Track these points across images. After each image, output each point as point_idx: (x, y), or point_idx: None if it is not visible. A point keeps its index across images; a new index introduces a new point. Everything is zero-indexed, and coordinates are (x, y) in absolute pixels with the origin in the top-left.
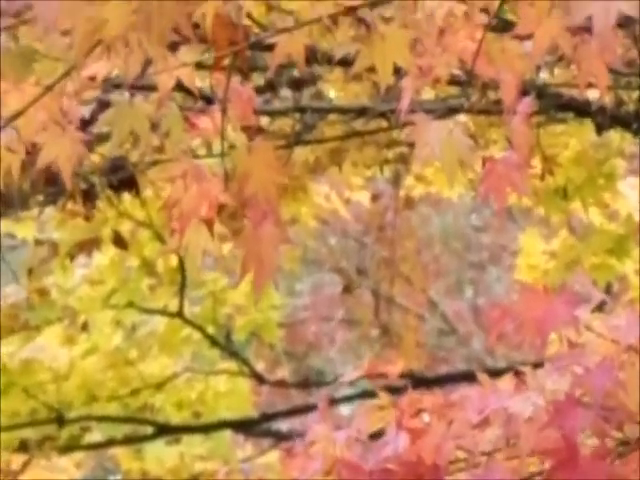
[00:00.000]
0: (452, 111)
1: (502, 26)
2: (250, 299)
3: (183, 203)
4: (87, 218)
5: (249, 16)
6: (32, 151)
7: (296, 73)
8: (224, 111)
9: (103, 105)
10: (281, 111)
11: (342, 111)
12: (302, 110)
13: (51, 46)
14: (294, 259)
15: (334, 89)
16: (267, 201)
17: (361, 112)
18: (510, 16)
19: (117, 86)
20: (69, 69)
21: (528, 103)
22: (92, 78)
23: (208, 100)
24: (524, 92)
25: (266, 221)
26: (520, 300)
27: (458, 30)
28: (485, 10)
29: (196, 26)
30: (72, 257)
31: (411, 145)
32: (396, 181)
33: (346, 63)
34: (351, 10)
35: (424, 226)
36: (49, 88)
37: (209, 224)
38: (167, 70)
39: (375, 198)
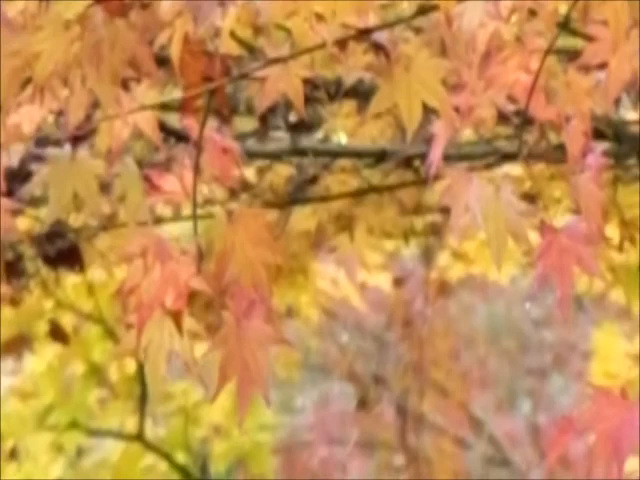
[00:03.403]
0: (500, 158)
1: (565, 53)
2: (232, 417)
3: (143, 290)
4: (14, 302)
5: (233, 36)
6: None
7: (293, 117)
8: (196, 167)
9: (35, 158)
10: (273, 155)
11: (353, 156)
12: (301, 153)
13: None
14: (292, 364)
15: (343, 130)
16: (254, 287)
17: (379, 158)
18: (575, 40)
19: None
20: None
21: (600, 153)
22: (18, 126)
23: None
24: (596, 136)
25: (253, 314)
26: (590, 410)
27: (507, 58)
28: (542, 33)
29: (159, 55)
30: None
31: (446, 210)
32: (427, 258)
33: (358, 94)
34: (364, 33)
35: (465, 319)
36: None
37: (176, 317)
38: (120, 116)
39: (399, 282)
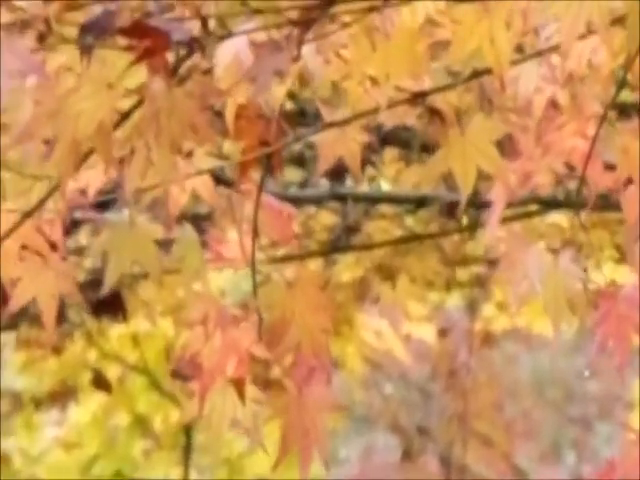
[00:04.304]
0: (544, 206)
1: (623, 116)
2: (276, 469)
3: (204, 357)
4: (57, 350)
5: (288, 96)
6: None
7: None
8: (255, 233)
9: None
10: (313, 200)
11: (394, 202)
12: (341, 199)
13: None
14: (338, 416)
15: (384, 176)
16: (314, 354)
17: (419, 204)
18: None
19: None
20: (52, 189)
21: None
22: (82, 192)
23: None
24: None
25: (313, 380)
26: (633, 458)
27: (564, 124)
28: (598, 97)
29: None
30: (40, 411)
31: (491, 262)
32: (471, 310)
33: (399, 140)
34: (419, 97)
35: (509, 370)
36: (27, 215)
37: (239, 385)
38: (178, 181)
39: (443, 333)
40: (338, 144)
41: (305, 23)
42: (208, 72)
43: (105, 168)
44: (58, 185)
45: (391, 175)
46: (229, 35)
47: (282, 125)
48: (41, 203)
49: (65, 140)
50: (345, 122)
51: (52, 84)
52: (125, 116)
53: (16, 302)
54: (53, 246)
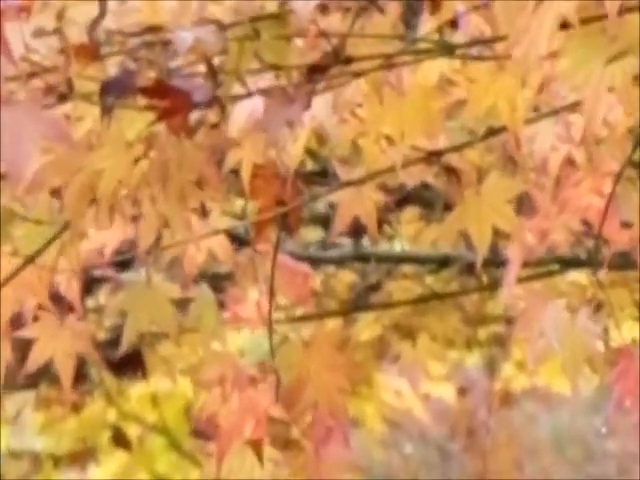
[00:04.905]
0: (564, 265)
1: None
2: None
3: (222, 418)
4: (76, 407)
5: (305, 153)
6: (22, 345)
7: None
8: (271, 293)
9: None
10: (336, 261)
11: (415, 262)
12: (363, 259)
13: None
14: (356, 476)
15: (405, 235)
16: (331, 413)
17: (441, 264)
18: None
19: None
20: (58, 233)
21: None
22: (99, 251)
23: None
24: None
25: (331, 440)
26: None
27: (580, 182)
28: (614, 155)
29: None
30: (59, 472)
31: (510, 321)
32: (491, 369)
33: (420, 200)
34: (434, 155)
35: (528, 429)
36: (30, 260)
37: (257, 447)
38: (194, 240)
39: (463, 392)
40: (355, 203)
41: (317, 73)
42: (218, 125)
43: (116, 225)
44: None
45: (411, 234)
46: (247, 95)
47: (298, 184)
48: (46, 246)
49: (75, 191)
50: (361, 181)
51: (65, 134)
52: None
53: (33, 362)
54: (70, 306)
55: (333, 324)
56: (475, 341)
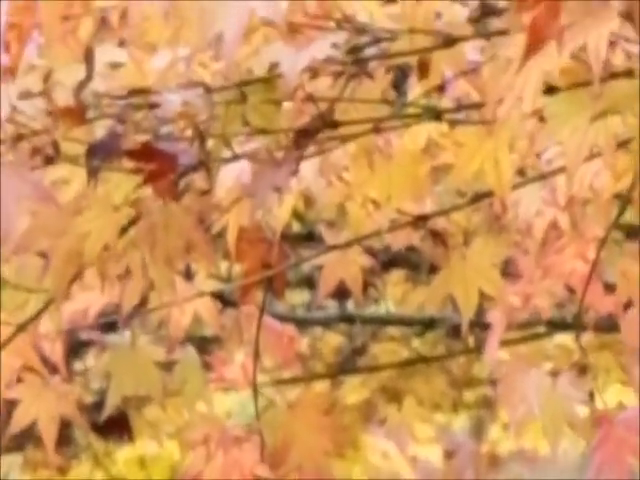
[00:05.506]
0: (550, 328)
1: (625, 236)
2: None
3: (207, 477)
4: (61, 470)
5: (292, 215)
6: (7, 407)
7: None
8: (256, 356)
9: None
10: (322, 322)
11: (401, 324)
12: (349, 321)
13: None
14: None
15: (391, 298)
16: (317, 475)
17: (427, 326)
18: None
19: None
20: (47, 302)
21: None
22: (84, 311)
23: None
24: None
25: None
26: None
27: (564, 247)
28: (599, 221)
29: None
30: None
31: (496, 384)
32: (477, 431)
33: (406, 262)
34: (421, 220)
35: None
36: (21, 328)
37: None
38: (179, 302)
39: (450, 454)
40: (340, 267)
41: (304, 137)
42: (207, 192)
43: (103, 287)
44: (53, 300)
45: (398, 296)
46: (234, 158)
47: (284, 248)
48: (37, 315)
49: (62, 254)
50: (346, 245)
51: (51, 197)
52: (123, 231)
53: (17, 423)
54: (54, 367)
55: (320, 387)
56: (462, 403)
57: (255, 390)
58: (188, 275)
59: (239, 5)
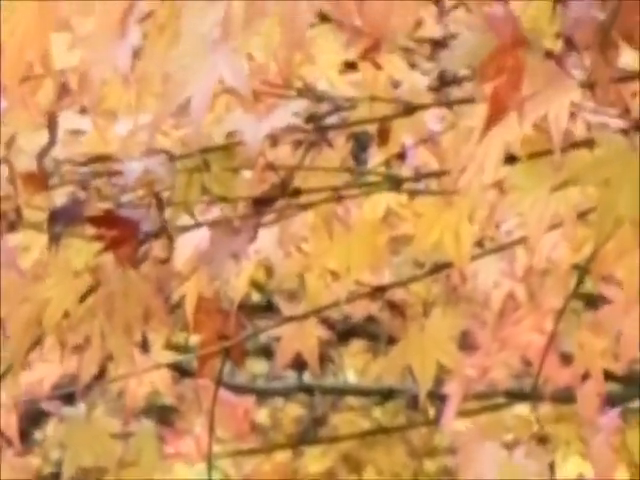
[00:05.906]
0: (509, 399)
1: (584, 305)
2: None
3: None
4: None
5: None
6: None
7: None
8: (211, 431)
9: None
10: (281, 393)
11: (361, 394)
12: (308, 391)
13: None
14: None
15: (351, 368)
16: None
17: (386, 396)
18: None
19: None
20: (5, 371)
21: (613, 417)
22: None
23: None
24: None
25: None
26: None
27: (521, 319)
28: (556, 292)
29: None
30: None
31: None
32: None
33: (366, 332)
34: (379, 291)
35: None
36: None
37: None
38: (136, 374)
39: None
40: (297, 339)
41: (263, 205)
42: (166, 260)
43: (60, 357)
44: (11, 368)
45: (358, 367)
46: (194, 225)
47: (241, 319)
48: None
49: (21, 321)
50: (303, 317)
51: (13, 263)
52: (82, 298)
53: None
54: (8, 440)
55: (281, 457)
56: (422, 473)
57: (209, 463)
58: (145, 346)
59: (207, 72)
